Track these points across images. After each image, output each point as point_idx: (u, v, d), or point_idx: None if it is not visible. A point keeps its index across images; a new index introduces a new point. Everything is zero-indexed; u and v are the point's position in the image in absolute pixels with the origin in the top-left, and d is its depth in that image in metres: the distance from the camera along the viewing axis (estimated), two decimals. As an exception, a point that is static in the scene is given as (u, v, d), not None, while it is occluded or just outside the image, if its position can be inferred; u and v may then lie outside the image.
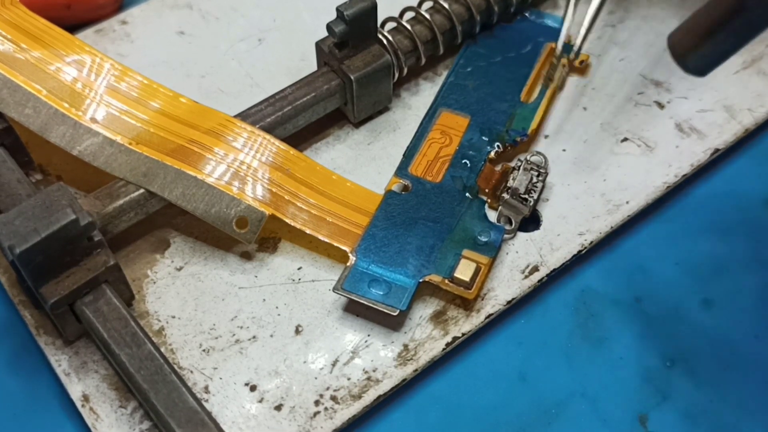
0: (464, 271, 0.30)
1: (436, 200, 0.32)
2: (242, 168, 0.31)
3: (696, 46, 0.24)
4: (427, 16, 0.36)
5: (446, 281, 0.30)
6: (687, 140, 0.35)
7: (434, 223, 0.31)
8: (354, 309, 0.30)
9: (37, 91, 0.31)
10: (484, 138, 0.34)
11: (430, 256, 0.30)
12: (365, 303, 0.29)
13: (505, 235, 0.32)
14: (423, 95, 0.37)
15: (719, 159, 0.36)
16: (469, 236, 0.31)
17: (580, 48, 0.37)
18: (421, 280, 0.30)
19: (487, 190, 0.33)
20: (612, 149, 0.35)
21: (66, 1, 0.39)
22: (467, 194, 0.32)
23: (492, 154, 0.34)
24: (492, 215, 0.32)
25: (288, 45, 0.39)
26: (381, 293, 0.29)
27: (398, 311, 0.29)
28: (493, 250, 0.31)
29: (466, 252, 0.30)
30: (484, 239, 0.31)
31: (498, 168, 0.34)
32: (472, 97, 0.36)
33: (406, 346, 0.29)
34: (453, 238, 0.31)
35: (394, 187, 0.33)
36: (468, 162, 0.34)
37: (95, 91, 0.32)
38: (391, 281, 0.30)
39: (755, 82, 0.37)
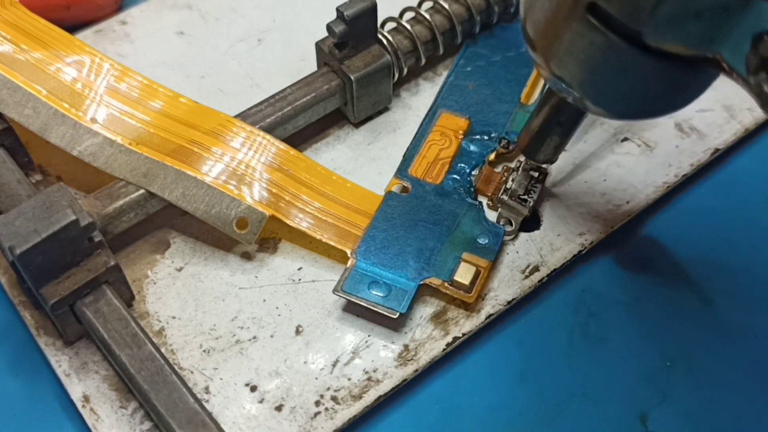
0: (464, 274, 0.30)
1: (436, 202, 0.32)
2: (242, 168, 0.31)
3: (538, 147, 0.31)
4: (427, 16, 0.36)
5: (446, 284, 0.30)
6: (687, 140, 0.35)
7: (434, 225, 0.31)
8: (354, 309, 0.30)
9: (37, 91, 0.31)
10: (483, 139, 0.34)
11: (430, 259, 0.30)
12: (365, 305, 0.29)
13: (506, 237, 0.32)
14: (423, 95, 0.37)
15: (719, 159, 0.36)
16: (468, 239, 0.31)
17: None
18: (421, 283, 0.30)
19: (487, 192, 0.33)
20: (612, 149, 0.35)
21: (66, 2, 0.39)
22: (467, 196, 0.32)
23: (492, 155, 0.34)
24: (492, 216, 0.32)
25: (288, 45, 0.39)
26: (381, 295, 0.29)
27: (398, 314, 0.29)
28: (493, 254, 0.31)
29: (465, 255, 0.30)
30: (483, 242, 0.31)
31: (498, 169, 0.34)
32: (472, 98, 0.36)
33: (406, 347, 0.29)
34: (453, 240, 0.31)
35: (394, 189, 0.33)
36: (468, 164, 0.34)
37: (95, 92, 0.32)
38: (392, 283, 0.30)
39: (755, 81, 0.37)
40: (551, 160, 0.31)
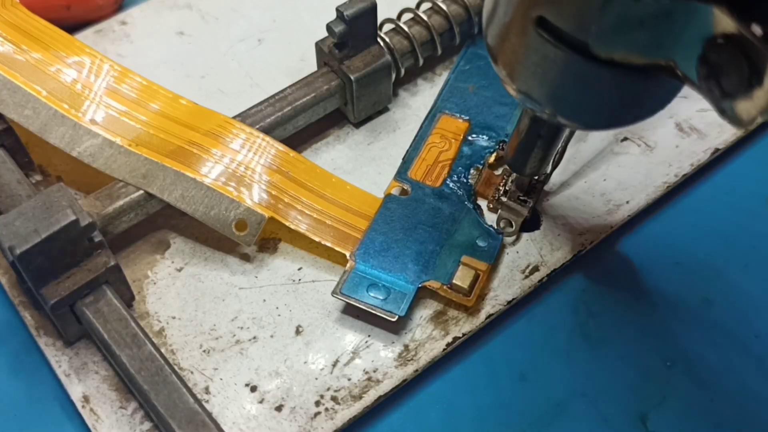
0: (463, 278, 0.30)
1: (436, 205, 0.32)
2: (242, 170, 0.31)
3: (524, 161, 0.30)
4: (425, 17, 0.36)
5: (445, 288, 0.30)
6: (687, 140, 0.35)
7: (433, 228, 0.31)
8: (354, 310, 0.30)
9: (36, 92, 0.31)
10: (483, 142, 0.34)
11: (429, 262, 0.30)
12: (364, 308, 0.29)
13: (507, 238, 0.32)
14: (422, 95, 0.37)
15: (719, 159, 0.35)
16: (468, 242, 0.31)
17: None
18: (419, 286, 0.30)
19: (487, 195, 0.33)
20: (612, 149, 0.35)
21: (66, 2, 0.39)
22: (467, 199, 0.32)
23: (492, 158, 0.34)
24: (492, 219, 0.32)
25: (288, 45, 0.39)
26: (380, 298, 0.29)
27: (397, 317, 0.29)
28: (492, 257, 0.31)
29: (465, 258, 0.30)
30: (483, 245, 0.31)
31: (498, 172, 0.34)
32: (472, 100, 0.36)
33: (406, 347, 0.29)
34: (452, 243, 0.31)
35: (394, 191, 0.33)
36: (467, 166, 0.33)
37: (95, 93, 0.32)
38: (390, 286, 0.30)
39: (755, 81, 0.37)
40: (538, 173, 0.31)
